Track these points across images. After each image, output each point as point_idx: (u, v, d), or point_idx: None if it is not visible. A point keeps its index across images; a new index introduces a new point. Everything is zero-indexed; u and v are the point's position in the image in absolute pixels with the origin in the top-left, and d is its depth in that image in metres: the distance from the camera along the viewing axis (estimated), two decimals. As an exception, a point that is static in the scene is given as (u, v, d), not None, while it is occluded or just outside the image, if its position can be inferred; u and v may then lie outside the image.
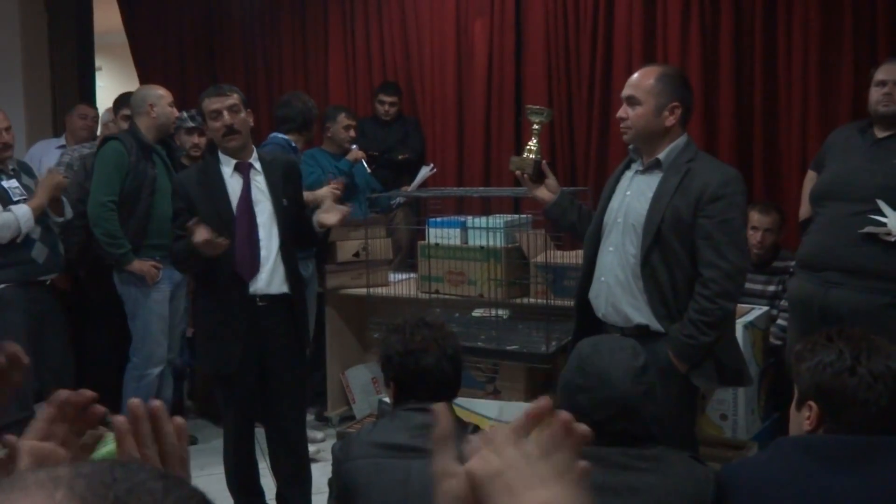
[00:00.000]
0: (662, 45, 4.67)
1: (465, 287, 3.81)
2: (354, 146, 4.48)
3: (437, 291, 3.86)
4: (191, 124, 4.22)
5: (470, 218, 3.94)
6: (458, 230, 3.86)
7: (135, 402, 0.85)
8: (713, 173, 2.53)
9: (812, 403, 1.62)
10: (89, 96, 6.16)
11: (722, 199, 2.46)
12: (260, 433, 3.23)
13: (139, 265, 3.67)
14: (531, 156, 2.84)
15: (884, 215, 2.90)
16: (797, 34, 4.34)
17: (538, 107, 3.02)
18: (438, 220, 3.96)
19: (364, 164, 4.51)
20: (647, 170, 2.62)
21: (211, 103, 2.92)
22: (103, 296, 3.90)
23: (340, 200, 4.31)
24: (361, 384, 4.35)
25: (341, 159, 4.40)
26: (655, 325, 2.52)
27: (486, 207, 4.60)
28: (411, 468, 1.85)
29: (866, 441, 1.55)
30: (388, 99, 5.10)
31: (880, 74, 3.08)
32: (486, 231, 3.73)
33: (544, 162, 2.86)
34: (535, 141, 2.87)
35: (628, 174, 2.71)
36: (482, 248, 3.74)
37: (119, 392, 3.83)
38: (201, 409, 4.57)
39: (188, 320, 4.26)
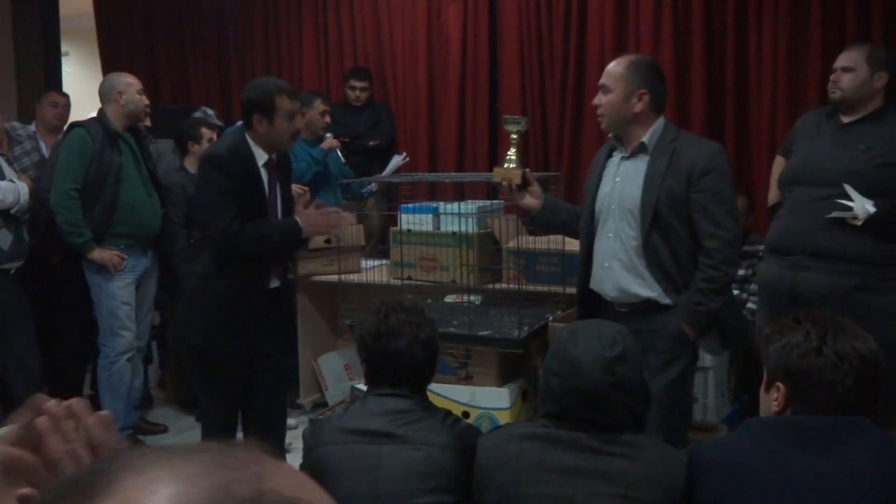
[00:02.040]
0: (634, 31, 4.68)
1: (438, 273, 3.79)
2: (329, 134, 4.44)
3: (409, 277, 3.84)
4: (216, 122, 4.42)
5: (442, 204, 3.93)
6: (430, 216, 3.84)
7: (50, 403, 0.84)
8: (700, 150, 2.61)
9: (780, 384, 1.62)
10: (56, 82, 6.04)
11: (712, 173, 2.56)
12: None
13: (100, 254, 3.62)
14: (512, 165, 2.85)
15: (850, 199, 2.92)
16: (767, 22, 4.37)
17: (515, 116, 3.04)
18: (410, 206, 3.94)
19: (339, 153, 4.47)
20: (633, 154, 2.67)
21: (292, 105, 2.94)
22: (76, 282, 3.84)
23: (313, 191, 4.29)
24: (334, 371, 4.33)
25: (315, 147, 4.36)
26: (664, 299, 2.60)
27: (458, 193, 4.59)
28: (382, 454, 1.84)
29: (833, 421, 1.56)
30: (358, 84, 5.06)
31: (836, 63, 3.12)
32: (459, 217, 3.71)
33: (527, 170, 2.88)
34: (513, 150, 2.89)
35: (613, 161, 2.76)
36: (454, 233, 3.73)
37: (93, 379, 3.81)
38: (174, 397, 4.53)
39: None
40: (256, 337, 2.97)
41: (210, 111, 4.61)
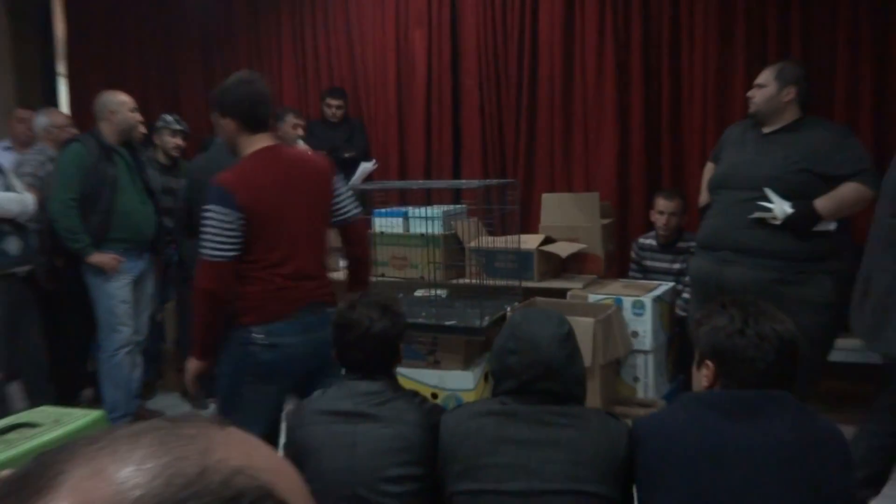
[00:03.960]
0: (580, 53, 4.71)
1: (408, 270, 3.79)
2: (301, 142, 4.42)
3: (382, 275, 3.83)
4: (176, 127, 4.28)
5: (411, 208, 3.92)
6: (400, 219, 3.84)
7: None
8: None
9: (709, 362, 1.64)
10: (53, 100, 5.92)
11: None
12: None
13: (98, 258, 3.56)
14: None
15: (770, 202, 2.96)
16: (698, 44, 4.42)
17: None
18: (383, 210, 3.93)
19: None
20: None
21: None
22: (79, 283, 3.78)
23: None
24: (315, 360, 4.30)
25: None
26: None
27: (426, 199, 4.58)
28: (357, 431, 1.83)
29: (755, 394, 1.58)
30: (334, 102, 5.04)
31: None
32: (426, 220, 3.71)
33: None
34: None
35: None
36: (422, 235, 3.72)
37: (95, 370, 3.75)
38: (177, 386, 4.46)
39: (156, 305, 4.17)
40: None
41: (170, 117, 4.30)
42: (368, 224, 2.51)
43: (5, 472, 0.74)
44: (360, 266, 2.61)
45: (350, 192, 2.56)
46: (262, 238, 2.28)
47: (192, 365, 2.36)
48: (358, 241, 2.59)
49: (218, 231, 2.22)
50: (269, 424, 2.34)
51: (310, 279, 2.40)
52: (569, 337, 1.79)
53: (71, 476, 0.41)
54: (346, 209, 2.51)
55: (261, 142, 2.35)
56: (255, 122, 2.34)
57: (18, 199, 3.54)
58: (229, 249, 2.24)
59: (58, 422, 2.37)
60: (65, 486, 0.40)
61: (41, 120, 4.23)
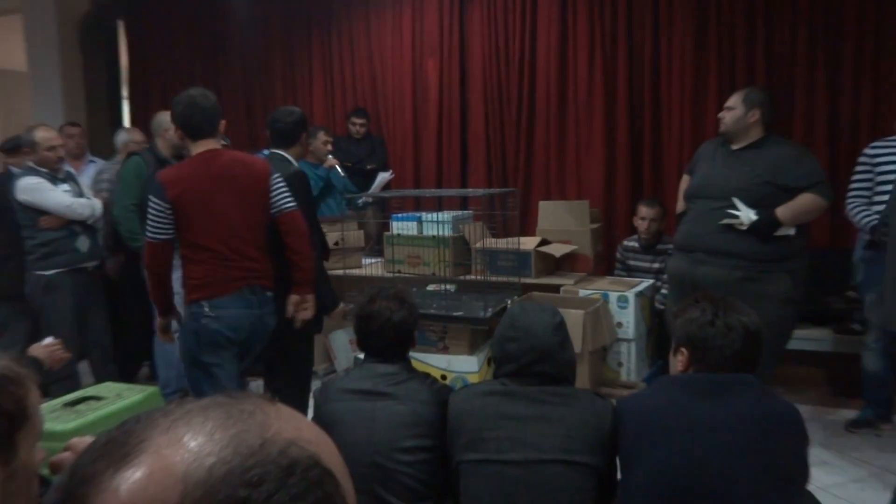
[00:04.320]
0: (573, 79, 4.70)
1: (421, 267, 3.79)
2: (330, 156, 4.43)
3: (399, 271, 3.84)
4: (222, 142, 4.23)
5: (424, 213, 3.92)
6: (415, 223, 3.84)
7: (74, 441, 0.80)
8: None
9: (683, 349, 1.64)
10: (118, 120, 5.96)
11: None
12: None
13: None
14: None
15: (738, 210, 2.95)
16: (676, 71, 4.41)
17: None
18: (400, 215, 3.93)
19: (339, 169, 4.45)
20: None
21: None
22: (138, 277, 3.81)
23: (319, 198, 4.27)
24: (341, 345, 4.31)
25: (319, 167, 4.35)
26: None
27: (438, 205, 4.58)
28: (376, 408, 1.84)
29: (724, 377, 1.57)
30: (358, 121, 5.04)
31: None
32: (438, 224, 3.71)
33: None
34: None
35: None
36: (434, 237, 3.73)
37: (151, 352, 3.79)
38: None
39: None
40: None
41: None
42: (301, 218, 2.57)
43: (87, 438, 0.74)
44: (293, 255, 2.60)
45: (285, 190, 2.58)
46: (197, 225, 2.40)
47: (158, 322, 2.63)
48: (288, 231, 2.57)
49: (154, 217, 2.40)
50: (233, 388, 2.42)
51: (248, 260, 2.48)
52: (561, 326, 1.80)
53: (153, 443, 0.42)
54: (279, 203, 2.55)
55: (202, 146, 2.48)
56: (194, 130, 2.48)
57: (89, 204, 3.58)
58: (163, 233, 2.40)
59: (119, 395, 2.39)
60: (147, 451, 0.41)
61: (122, 136, 4.26)
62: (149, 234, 2.41)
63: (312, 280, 2.66)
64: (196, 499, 0.39)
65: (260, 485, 0.39)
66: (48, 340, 2.23)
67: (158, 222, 2.39)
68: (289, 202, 2.56)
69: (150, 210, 2.39)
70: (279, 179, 2.57)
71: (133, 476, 0.40)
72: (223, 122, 2.58)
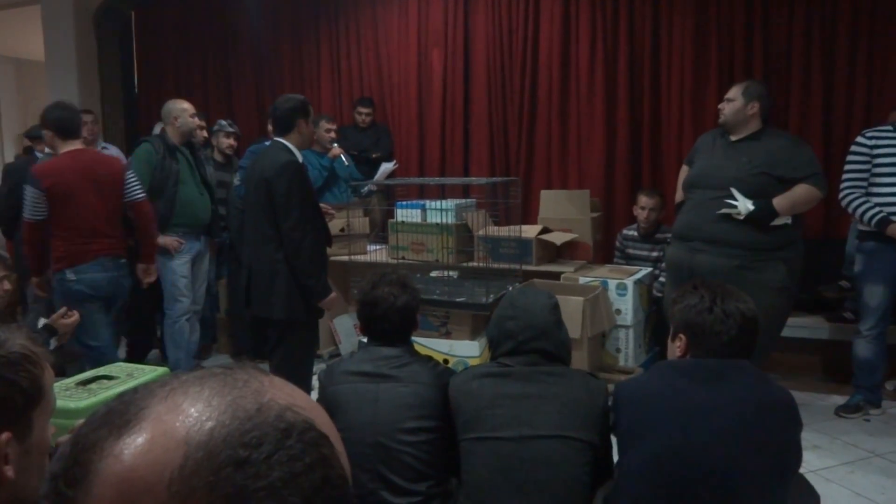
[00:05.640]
0: (575, 71, 4.66)
1: (425, 254, 3.78)
2: (335, 145, 4.40)
3: (403, 258, 3.83)
4: (230, 130, 4.38)
5: (428, 201, 3.91)
6: (419, 211, 3.82)
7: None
8: None
9: (682, 335, 1.63)
10: (132, 107, 5.94)
11: None
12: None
13: (163, 240, 3.56)
14: None
15: (735, 200, 2.93)
16: (675, 65, 4.37)
17: None
18: (404, 203, 3.92)
19: (343, 158, 4.42)
20: None
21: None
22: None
23: (324, 187, 4.25)
24: (346, 329, 4.31)
25: (324, 157, 4.32)
26: None
27: (441, 193, 4.56)
28: (379, 389, 1.83)
29: (721, 363, 1.56)
30: (364, 110, 5.01)
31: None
32: (441, 211, 3.70)
33: None
34: None
35: None
36: (437, 224, 3.71)
37: (161, 335, 3.78)
38: (227, 349, 4.51)
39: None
40: None
41: (225, 122, 4.35)
42: (148, 204, 3.22)
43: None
44: (141, 237, 3.25)
45: (137, 184, 3.19)
46: (65, 209, 2.97)
47: (33, 280, 3.18)
48: (137, 217, 3.19)
49: (30, 202, 2.98)
50: (109, 337, 3.16)
51: (106, 237, 3.07)
52: (556, 307, 1.84)
53: (152, 410, 0.42)
54: (130, 193, 3.15)
55: (70, 146, 3.01)
56: (65, 132, 3.00)
57: None
58: (38, 214, 2.99)
59: (130, 375, 2.39)
60: (148, 418, 0.41)
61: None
62: (26, 216, 2.99)
63: (154, 253, 3.35)
64: (198, 460, 0.39)
65: (259, 446, 0.40)
66: (61, 311, 2.47)
67: (34, 206, 2.97)
68: (138, 194, 3.17)
69: (27, 196, 2.97)
70: (132, 175, 3.19)
71: (136, 441, 0.40)
72: (86, 126, 3.02)
